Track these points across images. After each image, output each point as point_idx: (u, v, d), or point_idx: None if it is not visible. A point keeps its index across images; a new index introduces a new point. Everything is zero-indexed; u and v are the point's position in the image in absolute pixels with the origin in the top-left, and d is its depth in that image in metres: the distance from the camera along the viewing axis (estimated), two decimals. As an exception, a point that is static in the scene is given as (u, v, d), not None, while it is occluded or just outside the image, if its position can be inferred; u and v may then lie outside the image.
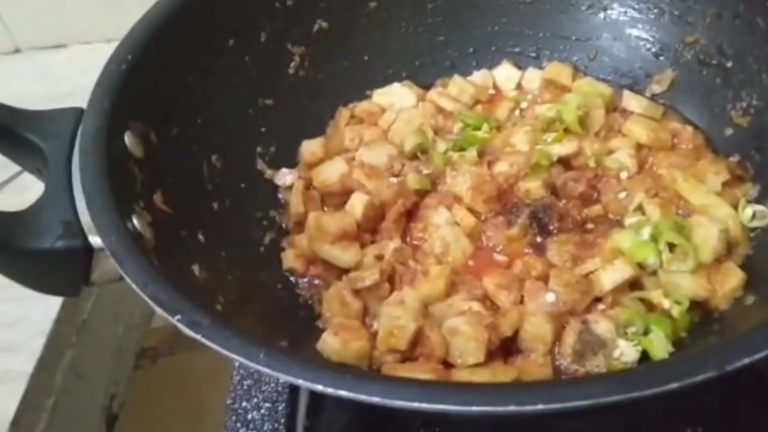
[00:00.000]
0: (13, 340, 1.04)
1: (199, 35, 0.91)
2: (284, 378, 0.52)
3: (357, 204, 0.86)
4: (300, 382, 0.51)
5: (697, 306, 0.76)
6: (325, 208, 0.94)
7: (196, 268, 0.75)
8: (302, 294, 0.86)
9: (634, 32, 1.01)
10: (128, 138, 0.77)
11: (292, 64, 1.02)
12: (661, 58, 0.99)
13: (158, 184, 0.78)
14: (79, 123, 0.75)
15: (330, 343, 0.74)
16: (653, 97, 0.99)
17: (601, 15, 1.03)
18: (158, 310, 0.58)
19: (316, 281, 0.86)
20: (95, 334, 1.15)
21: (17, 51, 1.54)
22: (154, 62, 0.84)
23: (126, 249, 0.62)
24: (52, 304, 1.07)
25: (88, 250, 0.66)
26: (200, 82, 0.90)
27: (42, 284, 0.69)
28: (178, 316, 0.56)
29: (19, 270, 0.66)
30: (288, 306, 0.84)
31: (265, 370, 0.52)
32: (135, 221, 0.69)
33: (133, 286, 0.59)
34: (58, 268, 0.66)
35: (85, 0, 1.43)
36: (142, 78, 0.82)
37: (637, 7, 1.01)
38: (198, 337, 0.55)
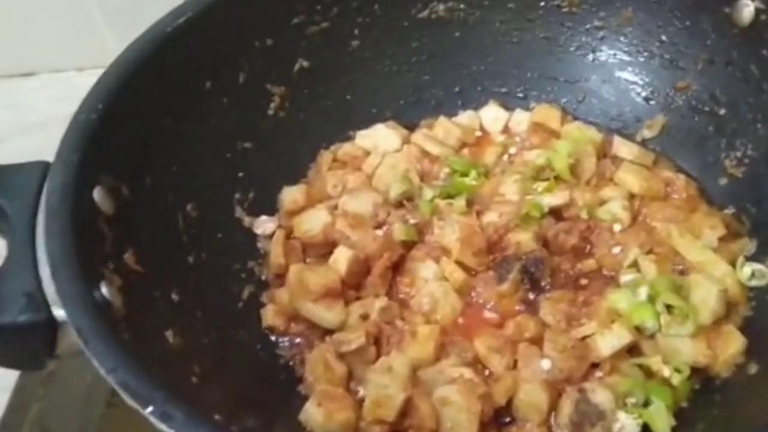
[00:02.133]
0: (-24, 395, 0.98)
1: (174, 77, 0.86)
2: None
3: (341, 259, 0.82)
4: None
5: (698, 373, 0.73)
6: (308, 259, 0.90)
7: (170, 335, 0.71)
8: (283, 354, 0.82)
9: (624, 75, 0.99)
10: (97, 194, 0.72)
11: (272, 105, 0.98)
12: (652, 102, 0.97)
13: (130, 242, 0.74)
14: (44, 178, 0.70)
15: (313, 415, 0.70)
16: (644, 143, 0.96)
17: (590, 57, 1.01)
18: (127, 399, 0.53)
19: (298, 340, 0.82)
20: (63, 385, 1.09)
21: (-17, 78, 1.48)
22: (127, 108, 0.79)
23: (93, 325, 0.57)
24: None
25: (53, 323, 0.61)
26: (176, 126, 0.86)
27: (2, 358, 0.64)
28: (150, 408, 0.52)
29: (-22, 345, 0.61)
30: (268, 368, 0.80)
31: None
32: (104, 289, 0.64)
33: (101, 371, 0.55)
34: (19, 343, 0.61)
35: (55, 27, 1.37)
36: (114, 126, 0.77)
37: (626, 49, 0.98)
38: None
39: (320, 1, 0.97)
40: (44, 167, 0.72)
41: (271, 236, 0.91)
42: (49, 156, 0.73)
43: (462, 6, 1.02)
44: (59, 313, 0.60)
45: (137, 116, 0.81)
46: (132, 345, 0.60)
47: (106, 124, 0.76)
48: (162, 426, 0.51)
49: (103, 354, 0.55)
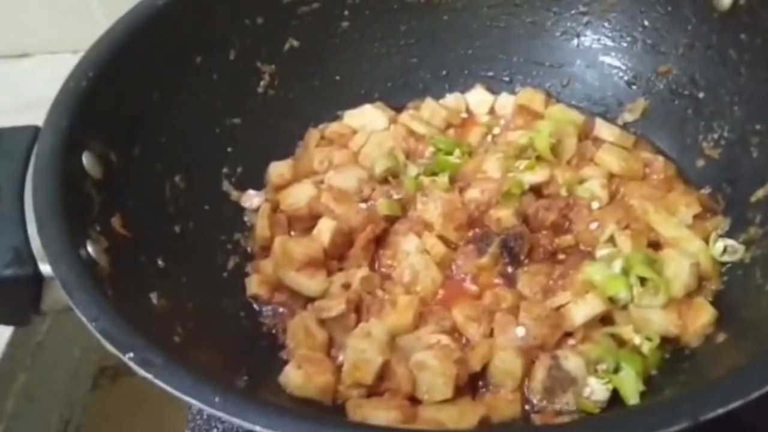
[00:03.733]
0: (-37, 364, 1.00)
1: (165, 51, 0.88)
2: (240, 424, 0.49)
3: (324, 230, 0.84)
4: (257, 428, 0.48)
5: (668, 342, 0.75)
6: (292, 233, 0.91)
7: (154, 296, 0.72)
8: (266, 322, 0.83)
9: (607, 60, 1.01)
10: (86, 158, 0.74)
11: (262, 83, 0.99)
12: (634, 86, 0.99)
13: (117, 207, 0.75)
14: (34, 142, 0.72)
15: (293, 377, 0.71)
16: (625, 126, 0.98)
17: (575, 42, 1.03)
18: (108, 347, 0.55)
19: (281, 309, 0.84)
20: (50, 357, 1.10)
21: (-22, 59, 1.49)
22: (117, 79, 0.81)
23: (77, 279, 0.59)
24: (4, 325, 1.03)
25: (39, 278, 0.62)
26: (165, 99, 0.88)
27: (-12, 313, 0.65)
28: (130, 354, 0.54)
29: (-37, 298, 0.63)
30: (251, 335, 0.81)
31: (221, 414, 0.49)
32: (89, 248, 0.66)
33: (83, 319, 0.56)
34: (5, 297, 0.63)
35: (51, 9, 1.39)
36: (103, 95, 0.79)
37: (610, 35, 1.00)
38: (150, 377, 0.52)
39: (312, -19, 0.98)
40: (35, 131, 0.74)
41: (257, 210, 0.93)
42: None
43: (451, -10, 1.04)
44: (45, 268, 0.62)
45: (127, 86, 0.82)
46: (115, 300, 0.62)
47: (95, 91, 0.78)
48: (142, 371, 0.53)
49: (86, 304, 0.57)
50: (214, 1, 0.93)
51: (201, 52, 0.92)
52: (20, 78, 1.45)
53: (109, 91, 0.80)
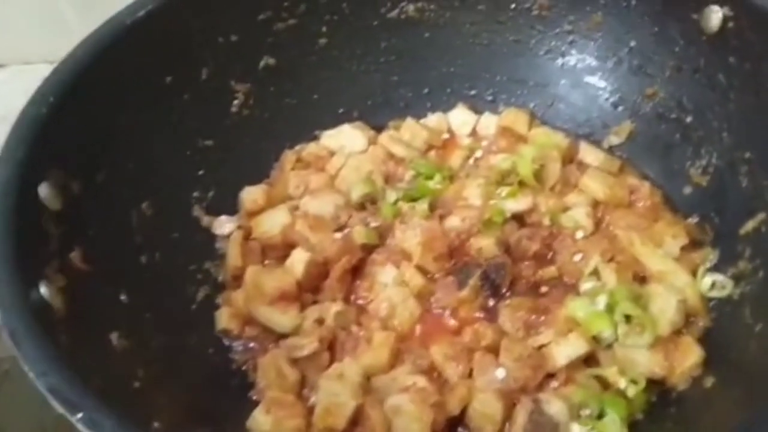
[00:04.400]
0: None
1: (133, 71, 0.84)
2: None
3: (298, 262, 0.81)
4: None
5: (654, 384, 0.72)
6: (266, 261, 0.88)
7: (114, 337, 0.68)
8: (236, 359, 0.80)
9: (593, 80, 0.98)
10: (44, 190, 0.70)
11: (236, 103, 0.96)
12: (620, 108, 0.96)
13: (77, 240, 0.71)
14: (-10, 173, 0.68)
15: (261, 423, 0.68)
16: (611, 149, 0.96)
17: (560, 61, 1.00)
18: (56, 406, 0.51)
19: (252, 344, 0.80)
20: (18, 385, 1.06)
21: (-49, 70, 1.44)
22: (80, 102, 0.77)
23: (26, 329, 0.55)
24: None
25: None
26: (133, 121, 0.84)
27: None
28: (78, 415, 0.50)
29: None
30: (219, 374, 0.78)
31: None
32: (43, 289, 0.62)
33: (30, 374, 0.52)
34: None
35: (25, 19, 1.34)
36: (65, 120, 0.75)
37: (595, 54, 0.97)
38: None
39: (288, -4, 0.95)
40: (-10, 162, 0.69)
41: (229, 237, 0.89)
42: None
43: (432, 7, 1.01)
44: (-7, 314, 0.58)
45: (91, 110, 0.78)
46: (70, 348, 0.58)
47: (56, 117, 0.74)
48: (90, 434, 0.49)
49: (34, 357, 0.53)
50: (185, 18, 0.89)
51: (171, 72, 0.88)
52: (-6, 88, 1.41)
53: (72, 116, 0.75)
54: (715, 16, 0.83)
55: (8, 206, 0.65)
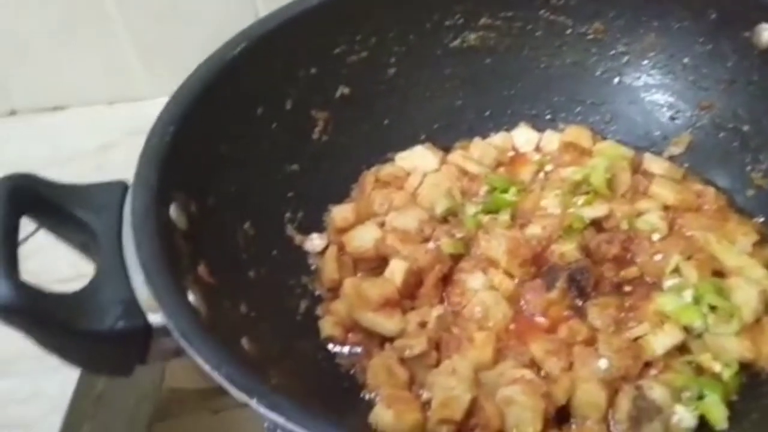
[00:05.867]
0: (29, 416, 1.00)
1: (230, 105, 0.91)
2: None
3: (397, 271, 0.86)
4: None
5: (744, 368, 0.77)
6: (358, 273, 0.93)
7: (245, 342, 0.74)
8: (343, 363, 0.85)
9: (649, 97, 1.05)
10: (173, 210, 0.76)
11: (316, 130, 1.02)
12: (677, 121, 1.03)
13: (202, 256, 0.78)
14: (124, 197, 0.74)
15: (384, 417, 0.73)
16: (672, 159, 1.02)
17: (616, 80, 1.07)
18: (233, 392, 0.56)
19: (357, 349, 0.85)
20: (111, 407, 1.11)
21: (13, 113, 1.51)
22: (192, 133, 0.83)
23: (194, 328, 0.61)
24: (67, 377, 1.04)
25: (148, 329, 0.64)
26: (232, 150, 0.91)
27: (96, 364, 0.67)
28: (256, 399, 0.55)
29: (75, 352, 0.65)
30: (331, 377, 0.83)
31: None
32: (191, 296, 0.68)
33: (205, 367, 0.58)
34: (116, 349, 0.65)
35: (85, 61, 1.41)
36: (182, 149, 0.81)
37: (650, 72, 1.04)
38: (281, 421, 0.54)
39: (360, 31, 1.02)
40: (123, 187, 0.76)
41: (320, 253, 0.95)
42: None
43: (492, 35, 1.08)
44: (154, 318, 0.64)
45: (201, 140, 0.85)
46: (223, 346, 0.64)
47: (176, 146, 0.80)
48: (272, 414, 0.54)
49: (208, 353, 0.59)
50: (272, 54, 0.96)
51: (261, 104, 0.95)
52: (56, 131, 1.47)
53: (187, 146, 0.82)
54: (765, 33, 0.90)
55: (151, 223, 0.71)
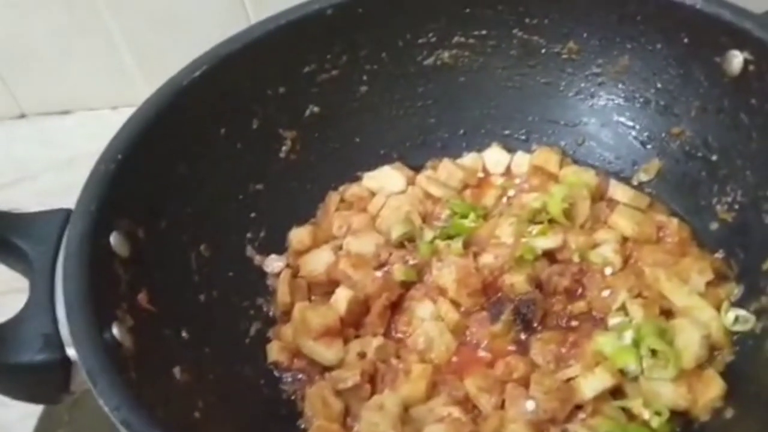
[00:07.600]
0: (5, 420, 1.05)
1: (191, 126, 0.92)
2: None
3: (341, 299, 0.87)
4: None
5: (678, 416, 0.75)
6: (313, 297, 0.94)
7: (177, 371, 0.76)
8: (285, 389, 0.86)
9: (621, 119, 1.02)
10: (114, 238, 0.78)
11: (284, 149, 1.03)
12: (648, 146, 1.00)
13: (144, 283, 0.79)
14: (65, 225, 0.76)
15: (309, 450, 0.74)
16: (640, 185, 0.99)
17: (589, 102, 1.04)
18: (128, 436, 0.58)
19: (300, 376, 0.86)
20: (87, 412, 1.15)
21: (22, 116, 1.56)
22: (145, 157, 0.84)
23: (101, 366, 0.62)
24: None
25: (67, 362, 0.66)
26: (191, 170, 0.91)
27: (20, 394, 0.70)
28: (148, 444, 0.57)
29: (-1, 382, 0.67)
30: (270, 403, 0.84)
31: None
32: (115, 330, 0.69)
33: (105, 409, 0.60)
34: (37, 380, 0.67)
35: (91, 66, 1.45)
36: (132, 174, 0.82)
37: (623, 95, 1.01)
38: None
39: (330, 50, 1.02)
40: (66, 214, 0.78)
41: (279, 274, 0.96)
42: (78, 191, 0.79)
43: (466, 53, 1.06)
44: (72, 352, 0.66)
45: (155, 164, 0.86)
46: (138, 383, 0.65)
47: (124, 172, 0.81)
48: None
49: (109, 393, 0.60)
50: (237, 74, 0.96)
51: (225, 124, 0.96)
52: (61, 134, 1.52)
53: (138, 169, 0.83)
54: (736, 60, 0.86)
55: (85, 256, 0.72)
